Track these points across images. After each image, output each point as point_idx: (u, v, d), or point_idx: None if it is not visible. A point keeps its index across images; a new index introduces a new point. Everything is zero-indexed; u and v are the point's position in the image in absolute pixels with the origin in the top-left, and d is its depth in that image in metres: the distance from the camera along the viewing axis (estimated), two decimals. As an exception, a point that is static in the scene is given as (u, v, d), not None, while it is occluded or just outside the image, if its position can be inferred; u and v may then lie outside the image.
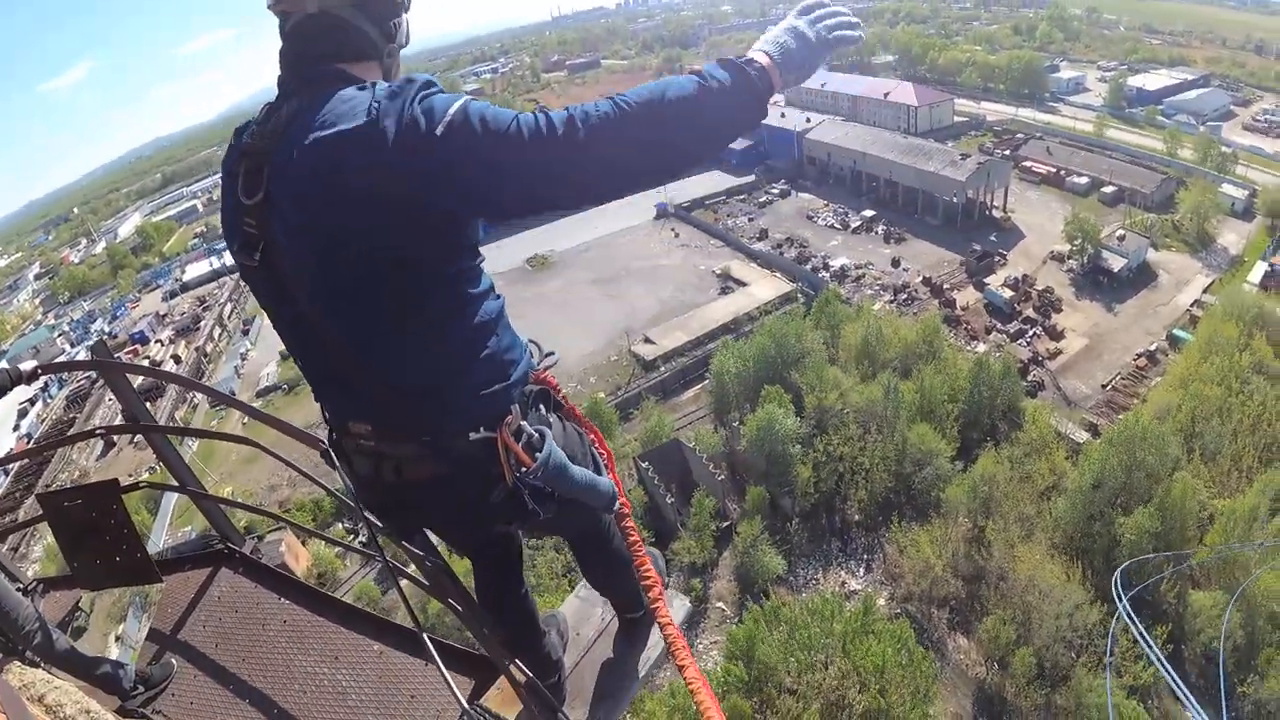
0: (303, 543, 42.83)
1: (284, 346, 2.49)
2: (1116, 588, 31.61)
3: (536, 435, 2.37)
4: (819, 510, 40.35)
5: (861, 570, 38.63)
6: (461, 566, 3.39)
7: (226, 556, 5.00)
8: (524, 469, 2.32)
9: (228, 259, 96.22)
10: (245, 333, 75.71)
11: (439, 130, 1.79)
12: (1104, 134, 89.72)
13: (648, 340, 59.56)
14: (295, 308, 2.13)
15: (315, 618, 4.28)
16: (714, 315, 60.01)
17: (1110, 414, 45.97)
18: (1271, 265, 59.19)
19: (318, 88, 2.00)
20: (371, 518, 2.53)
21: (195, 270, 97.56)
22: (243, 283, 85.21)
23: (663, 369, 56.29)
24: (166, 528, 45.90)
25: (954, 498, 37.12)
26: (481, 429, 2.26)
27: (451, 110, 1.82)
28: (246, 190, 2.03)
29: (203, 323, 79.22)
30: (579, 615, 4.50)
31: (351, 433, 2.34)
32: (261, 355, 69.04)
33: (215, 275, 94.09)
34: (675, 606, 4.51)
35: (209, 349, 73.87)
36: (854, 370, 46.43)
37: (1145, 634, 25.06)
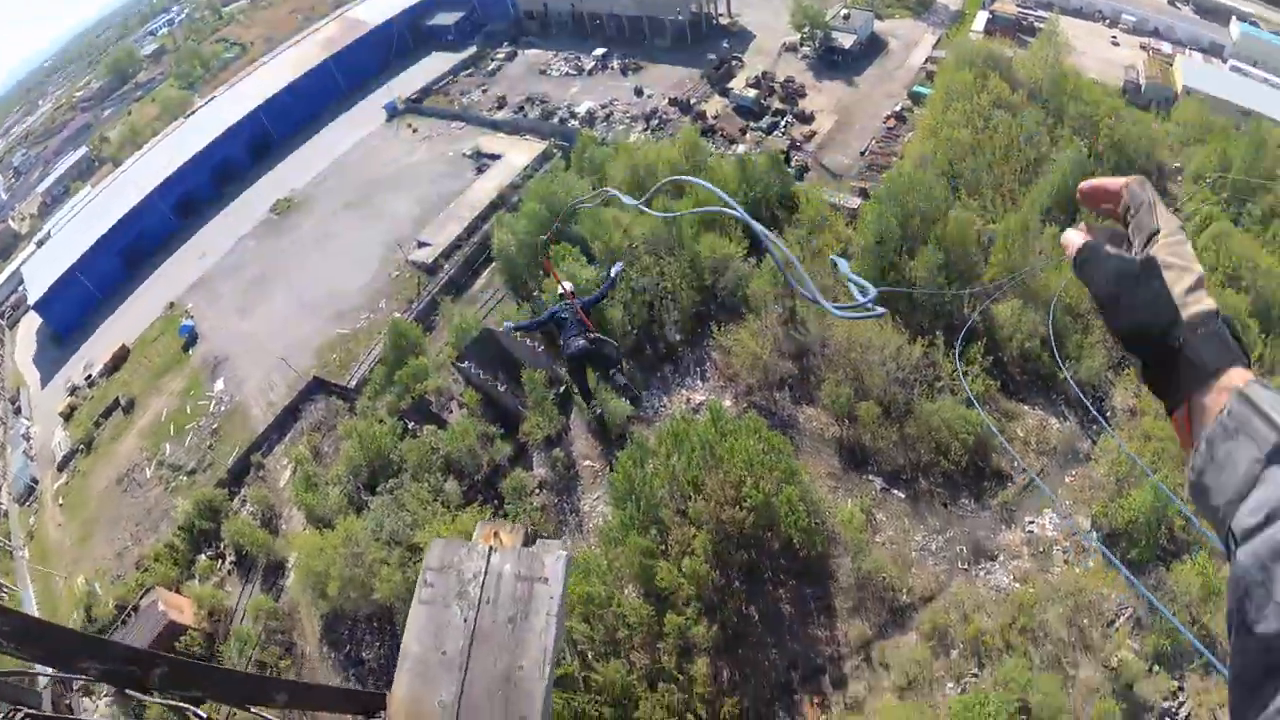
0: (177, 590, 39.46)
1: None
2: (965, 302, 34.55)
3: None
4: (642, 344, 40.63)
5: (699, 383, 39.62)
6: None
7: (28, 726, 3.22)
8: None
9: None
10: (17, 411, 62.37)
11: None
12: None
13: (421, 244, 55.73)
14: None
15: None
16: (478, 196, 56.79)
17: (874, 176, 48.88)
18: (991, 13, 64.88)
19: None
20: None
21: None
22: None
23: (447, 266, 53.00)
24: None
25: (758, 290, 38.33)
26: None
27: None
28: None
29: (-32, 416, 64.44)
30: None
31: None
32: (45, 426, 57.94)
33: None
34: (555, 557, 3.67)
35: (-12, 442, 60.66)
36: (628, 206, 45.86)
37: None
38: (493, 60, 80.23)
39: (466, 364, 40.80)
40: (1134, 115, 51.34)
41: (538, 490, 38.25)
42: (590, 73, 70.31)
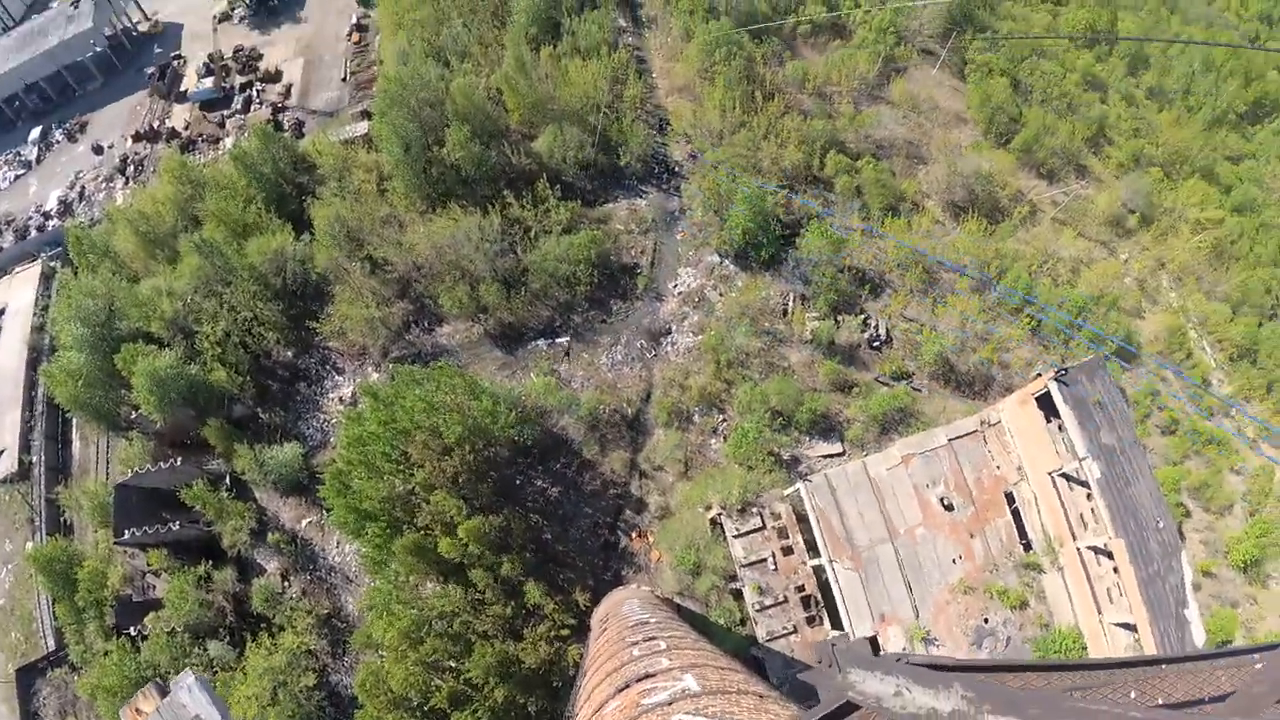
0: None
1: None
2: (512, 153, 33.42)
3: None
4: (262, 382, 37.31)
5: (338, 377, 37.37)
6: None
7: None
8: None
9: None
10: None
11: None
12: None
13: (-6, 450, 45.83)
14: None
15: None
16: (10, 365, 46.40)
17: (367, 94, 47.10)
18: None
19: None
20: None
21: None
22: None
23: (34, 458, 43.87)
24: None
25: (327, 260, 35.89)
26: None
27: None
28: None
29: None
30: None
31: None
32: None
33: None
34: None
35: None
36: (160, 268, 40.35)
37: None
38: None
39: (127, 533, 35.14)
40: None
41: (287, 583, 35.00)
42: (39, 159, 58.96)
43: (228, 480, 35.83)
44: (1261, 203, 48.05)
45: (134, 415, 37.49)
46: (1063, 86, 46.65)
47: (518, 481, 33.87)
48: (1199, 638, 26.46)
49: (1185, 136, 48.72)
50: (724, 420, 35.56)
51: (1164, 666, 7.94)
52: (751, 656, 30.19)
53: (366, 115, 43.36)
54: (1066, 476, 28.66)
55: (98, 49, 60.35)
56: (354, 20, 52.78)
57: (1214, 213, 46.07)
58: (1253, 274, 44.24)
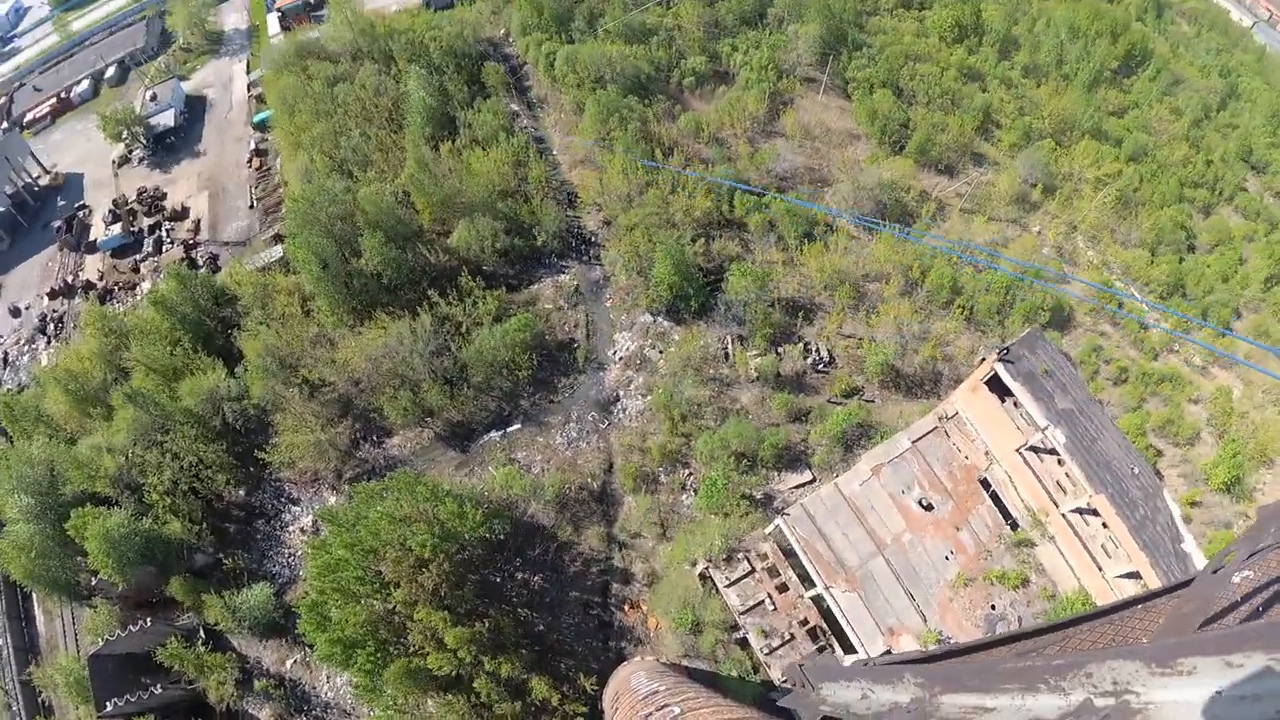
0: None
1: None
2: (429, 252, 33.43)
3: None
4: (220, 526, 36.65)
5: (295, 507, 36.82)
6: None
7: None
8: None
9: None
10: None
11: None
12: (72, 33, 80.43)
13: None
14: None
15: None
16: None
17: (276, 217, 47.16)
18: (279, 11, 64.43)
19: None
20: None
21: None
22: None
23: (-2, 638, 42.66)
24: None
25: (264, 388, 35.67)
26: None
27: None
28: None
29: None
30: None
31: None
32: None
33: None
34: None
35: None
36: (96, 425, 39.62)
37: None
38: None
39: (109, 705, 34.08)
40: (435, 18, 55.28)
41: (284, 729, 34.17)
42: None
43: (202, 633, 34.97)
44: (1153, 146, 50.63)
45: (94, 581, 36.61)
46: (942, 84, 48.74)
47: (497, 579, 33.59)
48: (1202, 567, 26.74)
49: (1067, 103, 51.11)
50: (690, 474, 35.77)
51: (1139, 607, 8.31)
52: (769, 700, 29.92)
53: (279, 239, 43.43)
54: (1034, 449, 29.43)
55: (1, 209, 59.43)
56: (252, 146, 53.08)
57: (1111, 167, 48.49)
58: (1160, 214, 46.44)
